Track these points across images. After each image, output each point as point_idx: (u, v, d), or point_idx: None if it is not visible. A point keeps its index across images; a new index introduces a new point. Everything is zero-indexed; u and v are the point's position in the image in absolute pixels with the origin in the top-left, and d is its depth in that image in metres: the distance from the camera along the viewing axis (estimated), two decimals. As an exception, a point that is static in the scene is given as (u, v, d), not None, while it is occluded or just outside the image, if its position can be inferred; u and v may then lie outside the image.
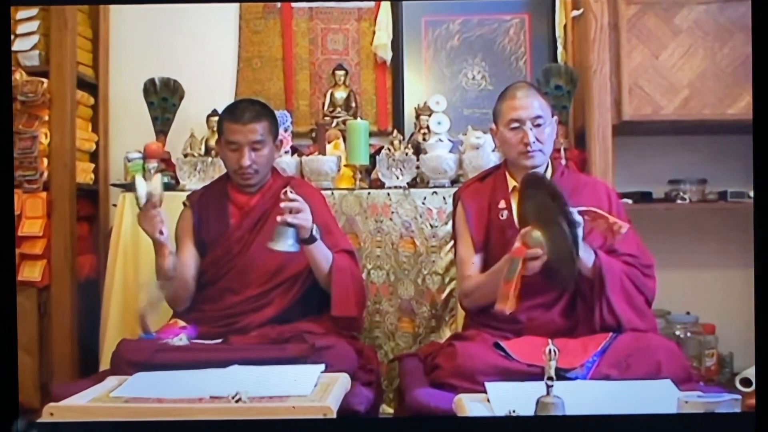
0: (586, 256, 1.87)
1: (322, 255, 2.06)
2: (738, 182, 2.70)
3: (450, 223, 2.34)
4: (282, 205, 1.95)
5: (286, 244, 1.95)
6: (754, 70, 1.53)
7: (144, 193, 1.99)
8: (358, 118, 2.75)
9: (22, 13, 2.65)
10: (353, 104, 2.89)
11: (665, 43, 2.60)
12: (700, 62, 2.59)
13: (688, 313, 2.73)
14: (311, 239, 2.01)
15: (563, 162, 2.49)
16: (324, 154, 2.63)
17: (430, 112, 2.73)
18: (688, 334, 2.64)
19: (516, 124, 2.02)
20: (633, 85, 2.59)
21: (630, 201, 2.64)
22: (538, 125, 2.02)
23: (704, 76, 2.59)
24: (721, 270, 2.86)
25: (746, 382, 2.34)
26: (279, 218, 1.95)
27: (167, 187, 2.46)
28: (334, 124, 2.81)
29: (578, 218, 1.79)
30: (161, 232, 2.03)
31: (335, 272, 2.07)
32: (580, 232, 1.79)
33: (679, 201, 2.71)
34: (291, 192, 1.97)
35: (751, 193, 2.64)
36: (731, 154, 2.79)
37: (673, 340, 2.43)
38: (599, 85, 2.57)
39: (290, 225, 1.95)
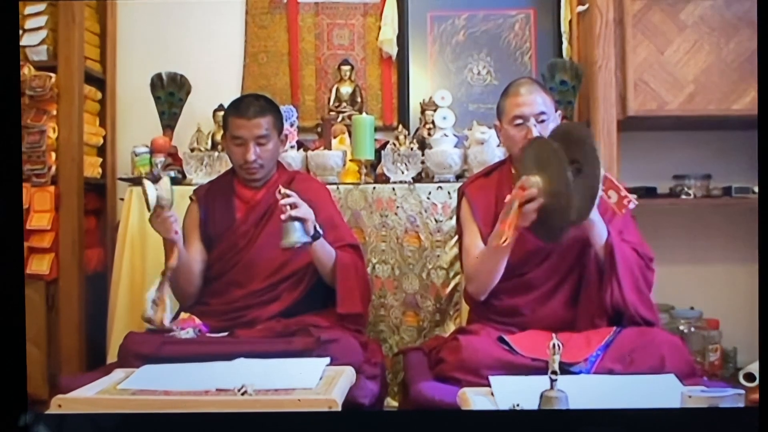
0: (601, 229, 1.88)
1: (325, 252, 2.07)
2: (743, 178, 2.70)
3: (454, 217, 2.35)
4: (281, 202, 1.97)
5: (295, 237, 1.97)
6: (760, 65, 1.53)
7: (153, 198, 1.97)
8: (364, 113, 2.75)
9: (30, 9, 2.67)
10: (359, 99, 2.89)
11: (671, 38, 2.59)
12: (706, 57, 2.59)
13: (692, 308, 2.74)
14: (316, 235, 2.02)
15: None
16: (329, 149, 2.64)
17: (436, 107, 2.73)
18: (692, 329, 2.64)
19: (520, 121, 2.02)
20: (638, 81, 2.59)
21: (634, 196, 2.64)
22: (542, 121, 2.02)
23: (710, 71, 2.58)
24: (725, 265, 2.86)
25: (750, 377, 2.34)
26: (283, 216, 1.97)
27: (174, 181, 2.46)
28: (339, 119, 2.82)
29: (602, 170, 1.78)
30: (176, 232, 2.04)
31: (340, 270, 2.08)
32: (600, 189, 1.78)
33: (683, 196, 2.71)
34: (283, 189, 1.99)
35: (756, 189, 2.64)
36: (736, 149, 2.79)
37: (677, 335, 2.43)
38: (604, 81, 2.57)
39: (295, 219, 1.97)
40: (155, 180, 2.03)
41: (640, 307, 1.91)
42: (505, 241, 1.82)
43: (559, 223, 1.82)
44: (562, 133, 1.91)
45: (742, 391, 1.51)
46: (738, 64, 2.58)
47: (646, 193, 2.73)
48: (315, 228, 2.01)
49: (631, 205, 1.86)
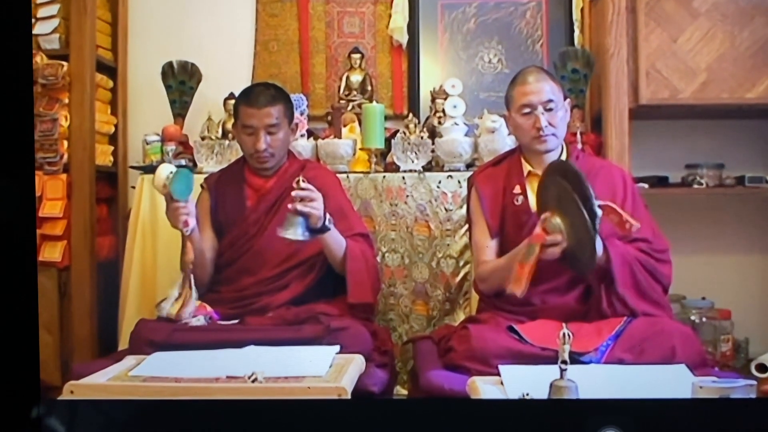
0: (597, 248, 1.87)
1: (335, 243, 2.07)
2: (756, 167, 2.68)
3: (465, 206, 2.34)
4: (293, 193, 1.95)
5: (295, 232, 1.95)
6: (774, 54, 1.51)
7: (160, 180, 1.97)
8: (374, 102, 2.75)
9: (42, -3, 2.68)
10: (369, 88, 2.89)
11: (683, 26, 2.57)
12: (719, 46, 2.56)
13: (703, 298, 2.72)
14: (324, 228, 2.00)
15: (579, 146, 2.48)
16: (340, 137, 2.64)
17: (446, 96, 2.72)
18: (704, 320, 2.63)
19: (527, 110, 2.01)
20: (650, 69, 2.57)
21: (646, 185, 2.63)
22: (550, 109, 2.01)
23: (723, 59, 2.56)
24: (737, 255, 2.84)
25: (762, 367, 2.33)
26: (290, 206, 1.96)
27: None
28: (349, 108, 2.81)
29: (598, 211, 1.78)
30: (186, 224, 2.01)
31: (350, 260, 2.08)
32: (597, 223, 1.79)
33: (696, 186, 2.69)
34: (303, 181, 1.97)
35: (770, 178, 2.62)
36: (749, 138, 2.77)
37: (689, 325, 2.42)
38: (616, 69, 2.55)
39: (300, 213, 1.96)
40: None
41: (649, 312, 1.90)
42: (522, 290, 1.81)
43: (586, 261, 1.82)
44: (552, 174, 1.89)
45: (754, 382, 1.50)
46: (752, 53, 2.56)
47: (658, 182, 2.72)
48: (324, 219, 2.00)
49: (634, 229, 1.84)
